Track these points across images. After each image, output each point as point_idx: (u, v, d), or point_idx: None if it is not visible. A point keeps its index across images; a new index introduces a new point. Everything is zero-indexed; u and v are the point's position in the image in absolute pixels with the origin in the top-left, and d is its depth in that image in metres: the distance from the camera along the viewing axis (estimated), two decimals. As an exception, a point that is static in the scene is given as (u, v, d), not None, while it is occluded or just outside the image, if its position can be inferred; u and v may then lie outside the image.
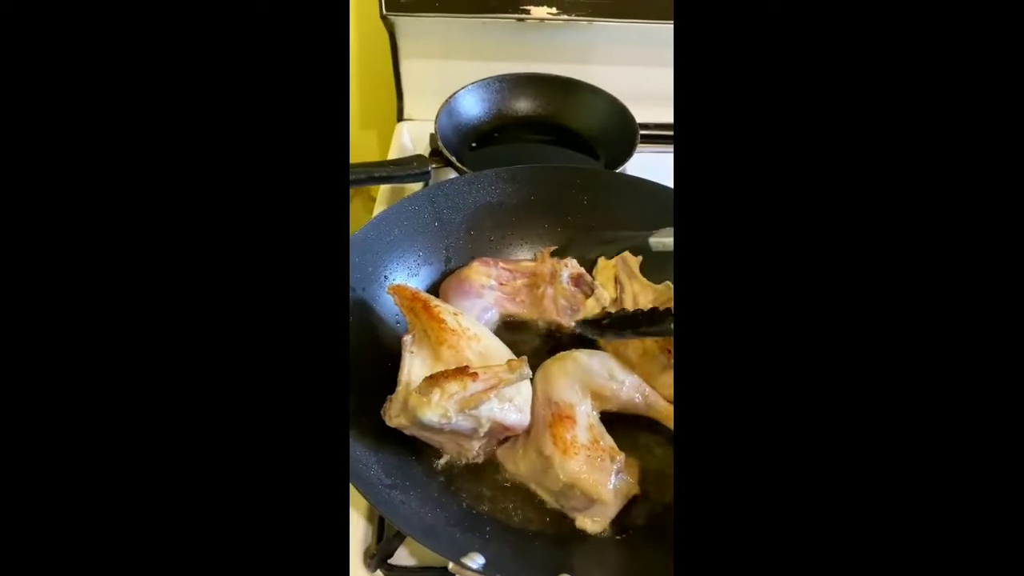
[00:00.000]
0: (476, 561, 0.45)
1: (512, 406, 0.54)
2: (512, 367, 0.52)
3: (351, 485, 0.49)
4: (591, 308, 0.67)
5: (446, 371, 0.51)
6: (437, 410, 0.49)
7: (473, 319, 0.62)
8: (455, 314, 0.59)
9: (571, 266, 0.70)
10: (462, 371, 0.50)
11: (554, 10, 0.91)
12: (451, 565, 0.45)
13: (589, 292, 0.69)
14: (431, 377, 0.50)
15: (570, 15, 0.91)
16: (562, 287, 0.69)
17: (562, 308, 0.68)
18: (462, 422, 0.50)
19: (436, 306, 0.59)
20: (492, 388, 0.50)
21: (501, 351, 0.59)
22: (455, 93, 0.91)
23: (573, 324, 0.66)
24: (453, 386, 0.49)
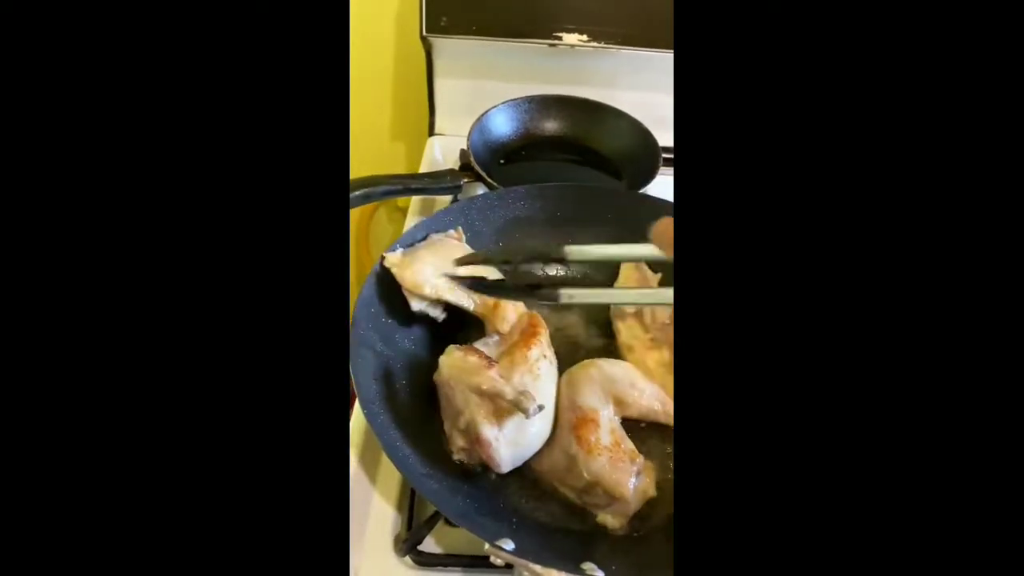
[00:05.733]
0: (509, 545, 0.49)
1: (501, 434, 0.55)
2: (521, 395, 0.53)
3: (397, 471, 0.54)
4: None
5: (481, 351, 0.58)
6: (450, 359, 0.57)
7: (553, 375, 0.62)
8: (543, 356, 0.61)
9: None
10: (488, 359, 0.56)
11: (585, 37, 0.96)
12: (487, 547, 0.48)
13: None
14: (469, 346, 0.58)
15: (599, 43, 0.96)
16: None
17: None
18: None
19: (539, 340, 0.62)
20: (491, 388, 0.54)
21: (542, 395, 0.59)
22: (487, 111, 0.96)
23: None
24: (472, 358, 0.55)
